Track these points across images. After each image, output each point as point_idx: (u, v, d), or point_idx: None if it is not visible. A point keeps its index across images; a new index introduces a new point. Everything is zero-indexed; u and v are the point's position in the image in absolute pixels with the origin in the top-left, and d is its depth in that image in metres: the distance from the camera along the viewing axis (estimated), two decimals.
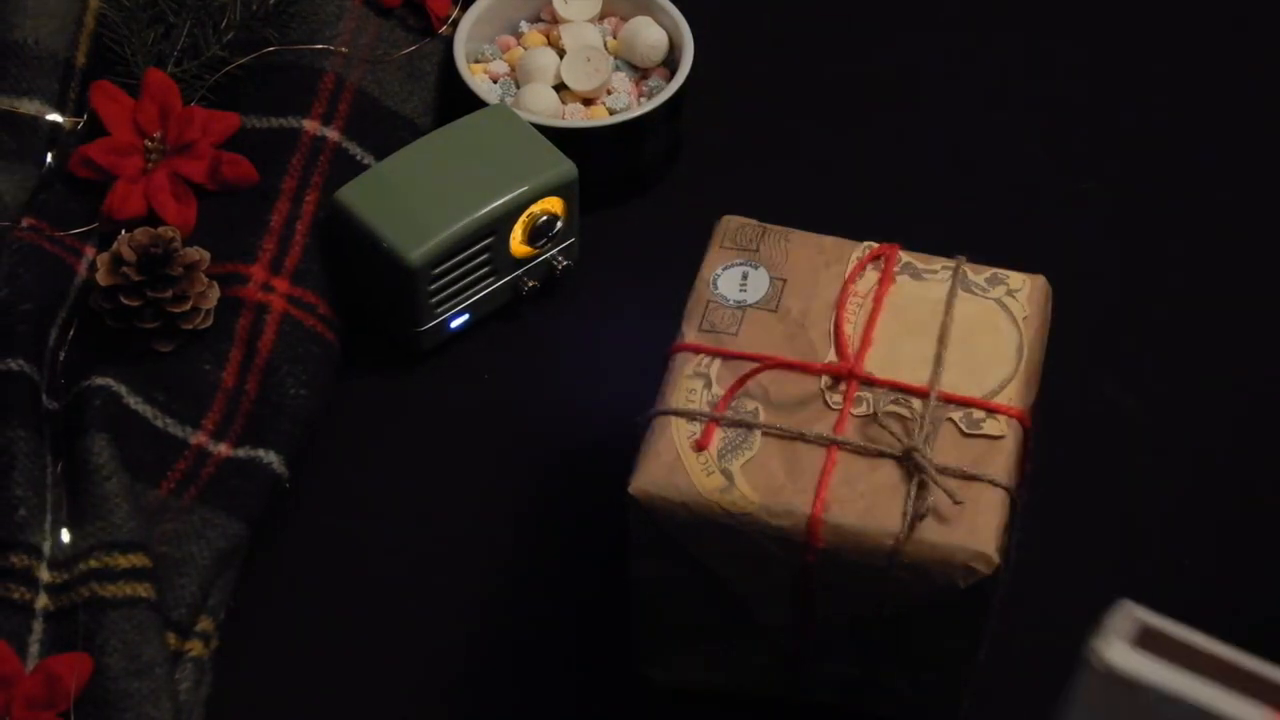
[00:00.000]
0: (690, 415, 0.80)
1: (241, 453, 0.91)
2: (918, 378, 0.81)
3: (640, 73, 1.08)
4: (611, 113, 1.05)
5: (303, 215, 0.98)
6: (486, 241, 0.96)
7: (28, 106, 1.00)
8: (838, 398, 0.80)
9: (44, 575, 0.85)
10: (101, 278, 0.93)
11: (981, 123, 1.11)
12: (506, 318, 1.01)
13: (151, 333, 0.94)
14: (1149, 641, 0.63)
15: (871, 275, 0.85)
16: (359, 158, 1.01)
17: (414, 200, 0.96)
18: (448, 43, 1.07)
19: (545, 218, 0.98)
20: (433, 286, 0.96)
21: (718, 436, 0.79)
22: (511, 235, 0.97)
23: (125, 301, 0.93)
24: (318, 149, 1.00)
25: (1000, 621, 0.82)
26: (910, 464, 0.77)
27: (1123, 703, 0.62)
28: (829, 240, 0.86)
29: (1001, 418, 0.80)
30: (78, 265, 0.96)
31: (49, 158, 1.00)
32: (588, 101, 1.06)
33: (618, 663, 0.87)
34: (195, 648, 0.85)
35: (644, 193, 1.07)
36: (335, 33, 1.04)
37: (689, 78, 1.05)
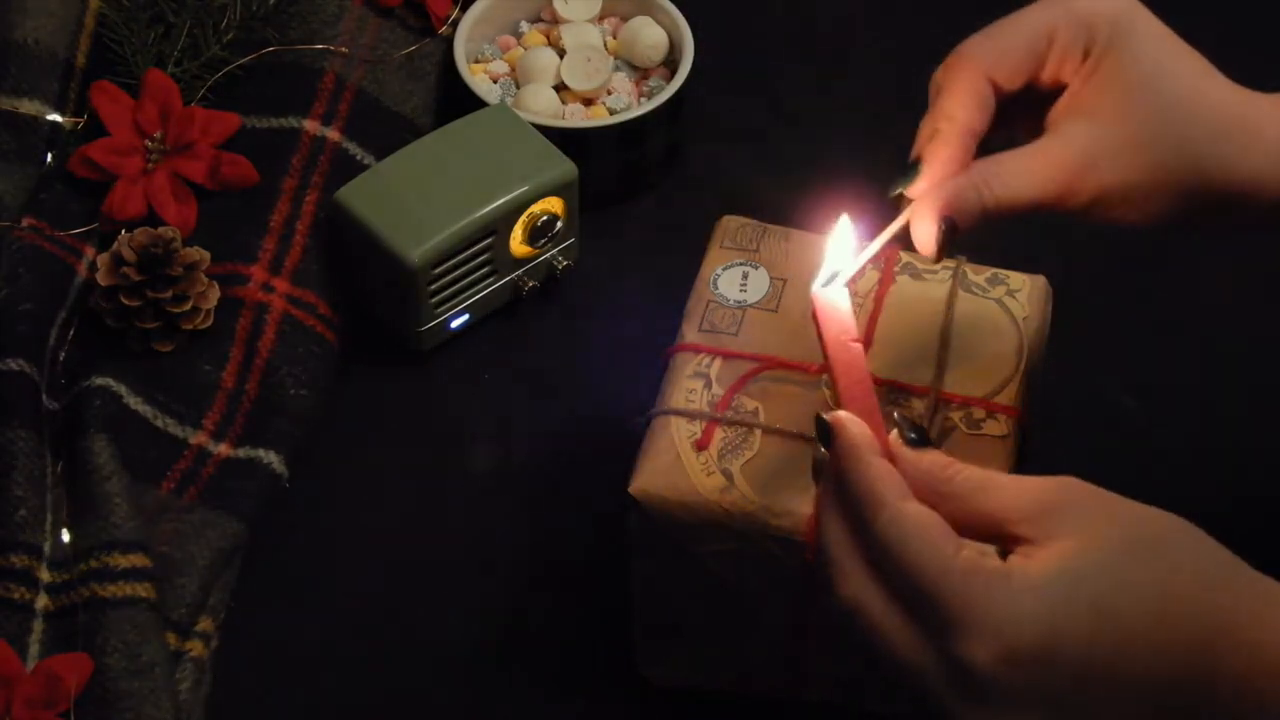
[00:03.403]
0: (690, 415, 0.80)
1: (241, 453, 0.91)
2: (918, 378, 0.81)
3: (640, 73, 1.08)
4: (611, 113, 1.05)
5: (303, 215, 0.98)
6: (486, 241, 0.96)
7: (28, 106, 0.99)
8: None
9: (44, 575, 0.85)
10: (101, 278, 0.93)
11: None
12: (506, 318, 1.01)
13: (151, 333, 0.94)
14: None
15: (871, 275, 0.85)
16: (359, 158, 1.01)
17: (414, 200, 0.96)
18: (448, 43, 1.07)
19: (545, 218, 0.98)
20: (433, 286, 0.96)
21: (718, 436, 0.79)
22: (511, 235, 0.97)
23: (125, 301, 0.93)
24: (318, 149, 1.00)
25: None
26: None
27: None
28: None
29: (1001, 418, 0.80)
30: (78, 265, 0.96)
31: (49, 158, 1.00)
32: (588, 101, 1.06)
33: (618, 663, 0.87)
34: (195, 648, 0.85)
35: (644, 193, 1.07)
36: (335, 33, 1.04)
37: (689, 78, 1.05)
